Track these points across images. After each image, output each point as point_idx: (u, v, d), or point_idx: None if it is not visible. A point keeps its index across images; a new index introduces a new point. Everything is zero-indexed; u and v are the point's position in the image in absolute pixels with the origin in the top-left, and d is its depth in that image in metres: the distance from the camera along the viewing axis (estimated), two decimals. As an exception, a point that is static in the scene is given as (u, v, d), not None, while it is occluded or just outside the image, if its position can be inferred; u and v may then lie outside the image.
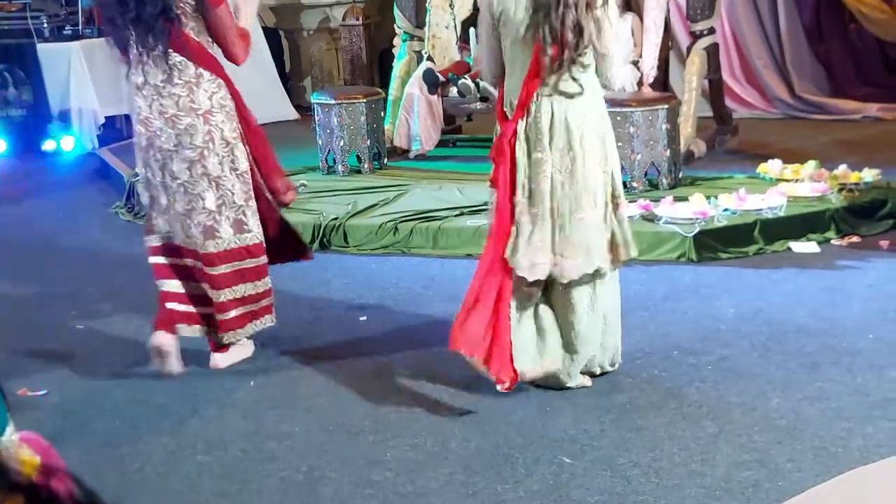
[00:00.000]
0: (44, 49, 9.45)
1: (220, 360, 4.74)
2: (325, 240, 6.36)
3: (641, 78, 7.13)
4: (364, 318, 5.26)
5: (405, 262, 6.07)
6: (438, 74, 7.75)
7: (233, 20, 4.51)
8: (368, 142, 7.50)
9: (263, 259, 4.67)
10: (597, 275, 4.15)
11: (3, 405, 2.10)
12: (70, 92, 9.40)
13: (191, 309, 4.68)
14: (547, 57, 3.96)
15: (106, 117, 9.67)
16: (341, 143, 7.44)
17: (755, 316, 4.95)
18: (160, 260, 4.68)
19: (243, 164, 4.57)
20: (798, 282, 5.37)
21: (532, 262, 4.08)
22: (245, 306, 4.65)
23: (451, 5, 8.29)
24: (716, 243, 5.78)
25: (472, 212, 6.35)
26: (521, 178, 4.07)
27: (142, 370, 4.72)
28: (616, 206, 4.16)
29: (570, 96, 4.04)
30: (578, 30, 3.93)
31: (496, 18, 4.08)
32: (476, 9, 8.00)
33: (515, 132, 4.06)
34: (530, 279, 4.11)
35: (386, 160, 7.68)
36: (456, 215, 6.35)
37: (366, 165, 7.50)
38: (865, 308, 4.98)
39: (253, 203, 4.62)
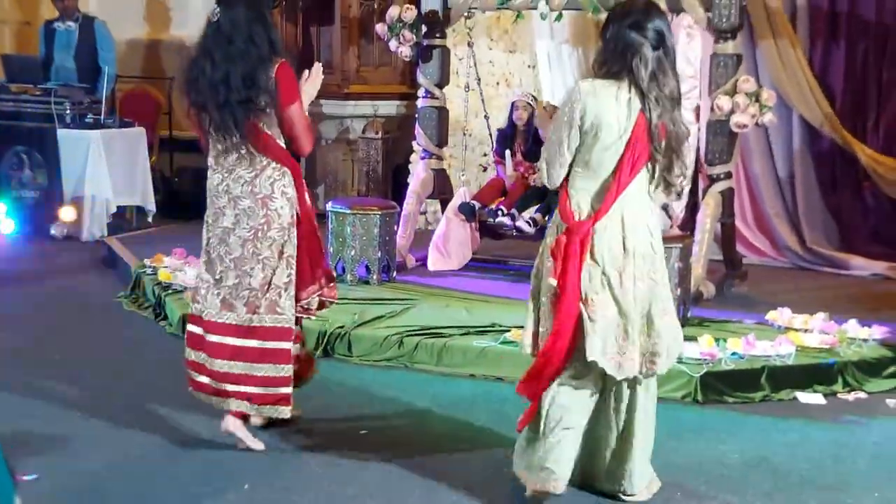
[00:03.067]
0: (64, 135, 9.52)
1: (232, 424, 4.87)
2: (328, 347, 6.32)
3: (672, 222, 7.20)
4: (364, 431, 5.19)
5: (408, 377, 6.02)
6: (475, 204, 7.91)
7: (303, 115, 4.81)
8: (380, 253, 7.51)
9: (288, 345, 4.83)
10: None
11: (11, 480, 2.06)
12: (85, 179, 9.45)
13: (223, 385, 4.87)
14: (644, 167, 4.14)
15: (118, 207, 9.72)
16: (352, 253, 7.45)
17: (759, 464, 4.89)
18: (194, 329, 4.92)
19: (291, 249, 4.81)
20: (804, 432, 5.32)
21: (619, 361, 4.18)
22: (264, 388, 4.80)
23: (486, 117, 8.43)
24: (722, 386, 5.74)
25: (479, 332, 6.32)
26: (601, 277, 4.15)
27: (136, 463, 4.65)
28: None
29: (646, 213, 4.20)
30: (676, 140, 4.15)
31: (584, 122, 4.12)
32: (511, 124, 8.13)
33: (594, 231, 4.14)
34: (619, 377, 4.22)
35: (395, 273, 7.68)
36: (462, 334, 6.32)
37: (375, 277, 7.50)
38: (871, 465, 4.92)
39: (292, 289, 4.81)
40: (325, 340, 6.32)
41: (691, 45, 8.07)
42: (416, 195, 8.33)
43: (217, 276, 4.87)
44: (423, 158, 8.42)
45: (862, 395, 5.89)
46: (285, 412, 4.86)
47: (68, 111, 9.61)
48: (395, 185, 9.99)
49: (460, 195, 8.18)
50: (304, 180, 4.92)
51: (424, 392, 5.78)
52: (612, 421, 4.34)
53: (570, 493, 4.37)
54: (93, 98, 9.79)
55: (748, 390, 5.78)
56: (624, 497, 4.38)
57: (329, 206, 7.74)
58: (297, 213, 4.84)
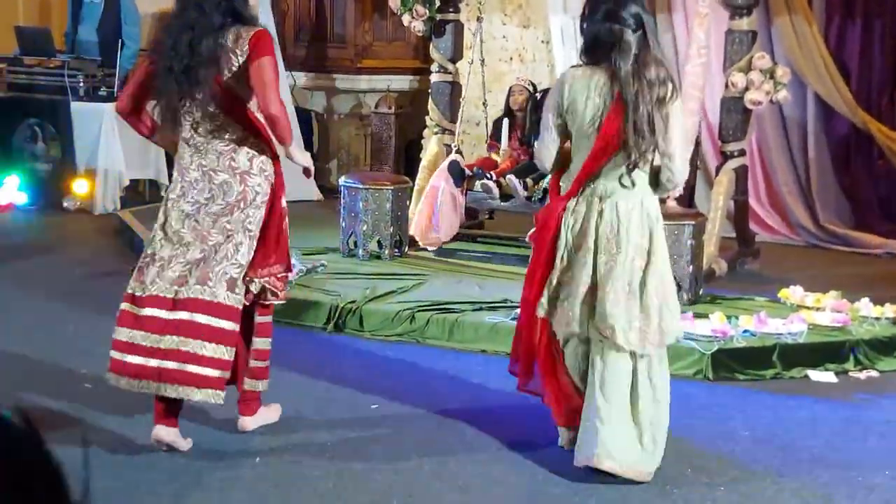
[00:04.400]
0: (77, 108, 9.53)
1: (248, 422, 4.78)
2: (340, 322, 6.33)
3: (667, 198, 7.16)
4: (375, 405, 5.21)
5: (419, 352, 6.03)
6: (465, 168, 7.78)
7: (276, 78, 4.54)
8: (392, 228, 7.51)
9: (235, 326, 4.53)
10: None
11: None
12: (98, 151, 9.46)
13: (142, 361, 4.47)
14: (619, 153, 4.22)
15: (130, 180, 9.73)
16: (364, 228, 7.45)
17: (770, 441, 4.89)
18: (128, 308, 4.53)
19: (256, 227, 4.58)
20: (814, 410, 5.31)
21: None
22: (204, 368, 4.45)
23: (484, 103, 8.38)
24: (733, 363, 5.74)
25: (490, 308, 6.33)
26: (562, 248, 4.35)
27: (146, 434, 4.66)
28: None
29: (620, 196, 4.29)
30: (652, 127, 4.13)
31: (564, 107, 4.27)
32: (508, 109, 8.09)
33: (566, 207, 4.32)
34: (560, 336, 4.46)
35: (407, 248, 7.68)
36: (474, 310, 6.32)
37: (387, 252, 7.50)
38: (882, 444, 4.91)
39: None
40: (336, 315, 6.32)
41: (705, 20, 8.01)
42: (428, 170, 8.30)
43: (174, 253, 4.54)
44: (436, 134, 8.39)
45: (874, 373, 5.88)
46: (219, 397, 4.51)
47: (82, 84, 9.61)
48: (407, 160, 9.98)
49: (449, 159, 8.02)
50: (279, 161, 4.68)
51: (436, 367, 5.79)
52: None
53: (567, 488, 4.38)
54: (106, 71, 9.77)
55: (759, 368, 5.77)
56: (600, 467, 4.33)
57: (342, 180, 7.73)
58: (271, 193, 4.62)
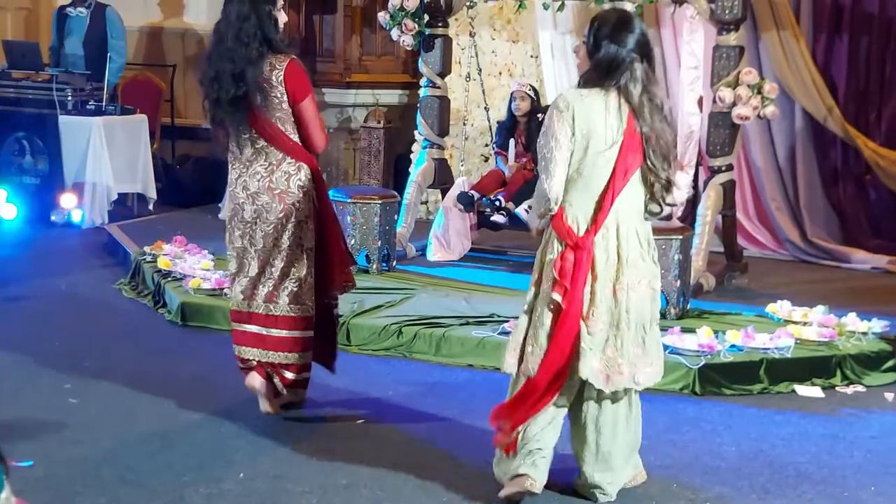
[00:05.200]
0: (65, 121, 9.51)
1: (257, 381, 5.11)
2: (327, 336, 6.31)
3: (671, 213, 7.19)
4: (362, 420, 5.20)
5: (406, 367, 6.02)
6: (473, 194, 7.90)
7: (316, 112, 4.99)
8: (379, 242, 7.52)
9: (310, 333, 5.09)
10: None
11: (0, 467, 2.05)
12: (86, 165, 9.45)
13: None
14: (651, 178, 4.13)
15: (118, 194, 9.71)
16: (352, 242, 7.43)
17: (756, 456, 4.88)
18: (237, 326, 5.15)
19: (310, 241, 4.99)
20: (801, 426, 5.30)
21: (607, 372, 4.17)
22: (298, 373, 5.09)
23: (486, 109, 8.41)
24: (720, 378, 5.73)
25: (478, 322, 6.32)
26: (600, 290, 4.11)
27: (131, 451, 4.65)
28: None
29: (640, 221, 4.19)
30: (665, 149, 4.12)
31: (576, 130, 4.06)
32: (511, 115, 8.13)
33: (594, 242, 4.10)
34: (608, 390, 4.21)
35: (395, 263, 7.68)
36: (461, 324, 6.31)
37: (374, 266, 7.50)
38: (868, 459, 4.90)
39: (311, 280, 5.01)
40: (323, 329, 6.30)
41: (694, 36, 8.05)
42: (417, 185, 8.33)
43: (239, 269, 5.06)
44: (424, 148, 8.41)
45: (860, 388, 5.88)
46: (303, 394, 5.22)
47: (70, 98, 9.59)
48: (396, 174, 9.98)
49: (459, 185, 8.18)
50: (320, 172, 5.07)
51: (423, 382, 5.78)
52: (588, 435, 4.28)
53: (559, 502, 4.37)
54: (94, 85, 9.77)
55: (746, 383, 5.77)
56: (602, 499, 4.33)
57: (330, 195, 7.71)
58: (315, 207, 4.99)
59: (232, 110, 4.90)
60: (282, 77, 4.87)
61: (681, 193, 7.44)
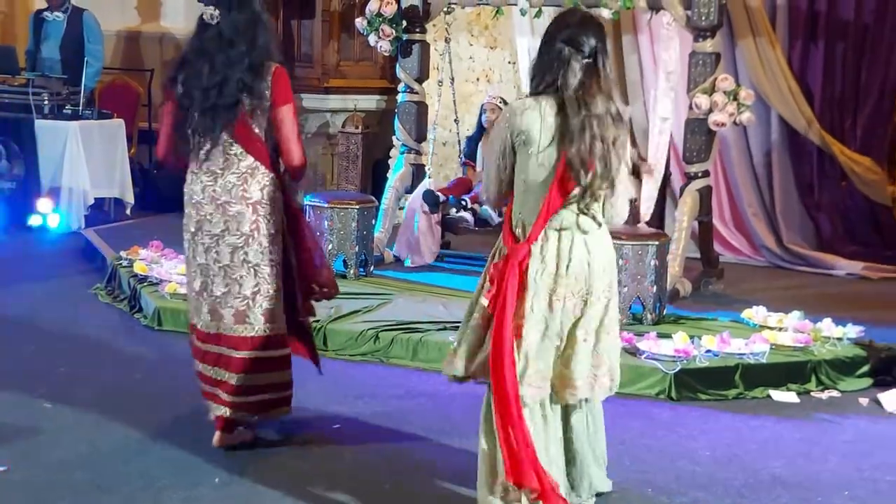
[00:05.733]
0: (42, 126, 9.48)
1: (223, 438, 4.81)
2: (304, 341, 6.30)
3: (638, 215, 7.21)
4: (338, 425, 5.19)
5: (383, 372, 6.02)
6: (439, 194, 7.88)
7: (296, 123, 4.76)
8: (357, 248, 7.51)
9: (287, 350, 4.87)
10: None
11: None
12: (63, 170, 9.41)
13: (215, 390, 4.81)
14: (577, 185, 3.94)
15: (95, 199, 9.68)
16: (329, 247, 7.43)
17: (731, 461, 4.90)
18: (196, 343, 4.86)
19: (278, 255, 4.78)
20: (776, 430, 5.33)
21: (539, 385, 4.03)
22: (264, 394, 4.81)
23: (455, 121, 8.42)
24: (696, 383, 5.75)
25: (455, 327, 6.28)
26: (530, 299, 3.99)
27: (107, 456, 4.63)
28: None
29: (586, 231, 4.02)
30: (605, 162, 3.94)
31: (516, 139, 4.00)
32: (481, 127, 8.15)
33: (530, 253, 3.99)
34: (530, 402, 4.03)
35: (372, 268, 7.68)
36: (438, 329, 6.32)
37: (351, 271, 7.50)
38: (842, 464, 4.93)
39: (281, 295, 4.79)
40: (300, 334, 6.30)
41: (671, 43, 8.07)
42: (395, 190, 8.34)
43: (202, 287, 4.79)
44: (402, 153, 8.43)
45: (835, 393, 5.91)
46: (286, 411, 4.97)
47: (46, 102, 9.56)
48: (374, 179, 9.99)
49: (424, 185, 8.15)
50: (286, 185, 4.84)
51: (400, 387, 5.78)
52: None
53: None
54: (71, 89, 9.74)
55: (722, 388, 5.79)
56: None
57: (307, 199, 7.73)
58: (285, 220, 4.81)
59: (226, 118, 4.64)
60: (269, 83, 4.70)
61: (646, 206, 7.45)
